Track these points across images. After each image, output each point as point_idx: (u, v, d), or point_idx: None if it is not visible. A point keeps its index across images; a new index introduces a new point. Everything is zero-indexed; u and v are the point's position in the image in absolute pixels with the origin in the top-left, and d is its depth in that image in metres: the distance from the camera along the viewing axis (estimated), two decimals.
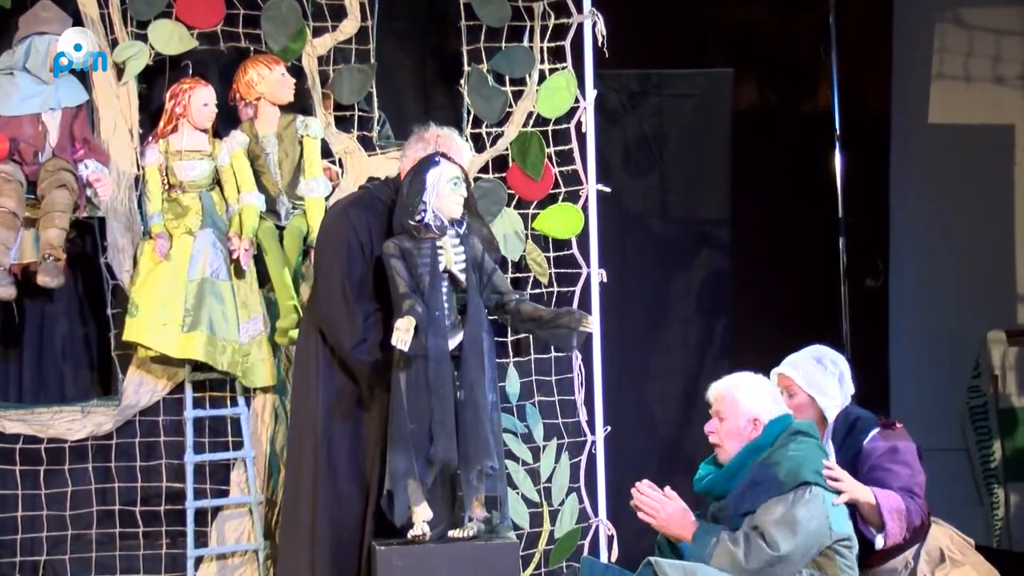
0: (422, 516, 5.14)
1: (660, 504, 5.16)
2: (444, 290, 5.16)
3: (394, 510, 5.12)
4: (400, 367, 5.12)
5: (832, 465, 5.18)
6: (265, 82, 6.00)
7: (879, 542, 5.28)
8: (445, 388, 5.10)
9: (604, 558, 6.23)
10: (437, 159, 5.26)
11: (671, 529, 5.13)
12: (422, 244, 5.17)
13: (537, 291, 6.37)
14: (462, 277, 5.19)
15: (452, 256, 5.18)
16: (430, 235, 5.17)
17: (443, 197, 5.20)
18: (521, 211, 6.37)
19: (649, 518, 5.16)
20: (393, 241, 5.19)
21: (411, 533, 5.13)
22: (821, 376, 5.49)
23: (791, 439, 5.09)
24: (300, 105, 6.19)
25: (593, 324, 5.35)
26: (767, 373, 5.43)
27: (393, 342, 5.00)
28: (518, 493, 6.25)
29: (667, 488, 5.17)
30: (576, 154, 6.36)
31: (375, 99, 6.27)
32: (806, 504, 4.96)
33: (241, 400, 6.05)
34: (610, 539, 6.36)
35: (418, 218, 5.18)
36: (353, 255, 5.32)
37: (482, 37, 6.32)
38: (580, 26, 6.34)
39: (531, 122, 6.37)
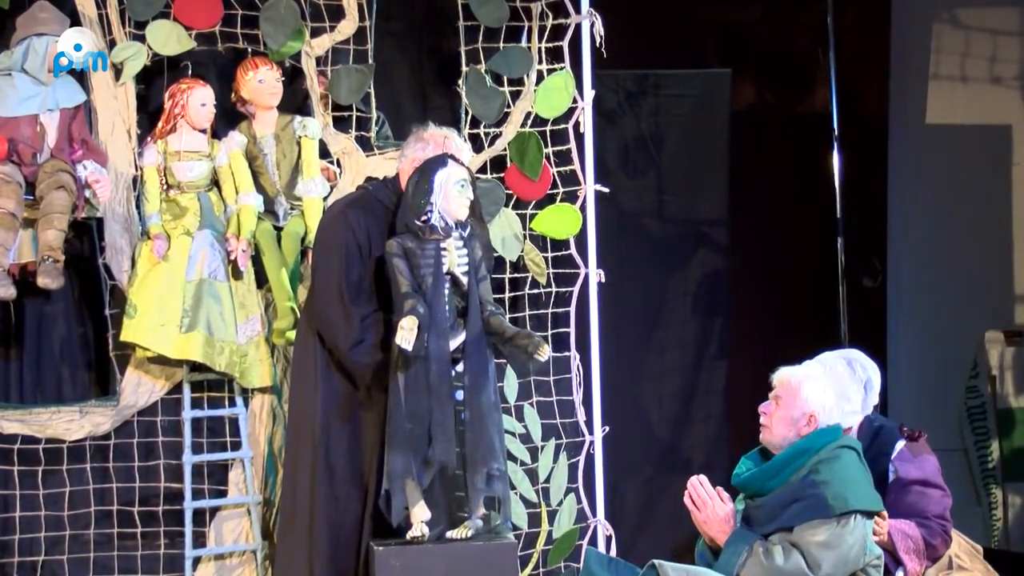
0: (420, 516, 5.14)
1: (711, 501, 5.05)
2: (446, 291, 5.16)
3: (391, 510, 5.13)
4: (399, 367, 5.12)
5: (884, 516, 5.16)
6: (246, 87, 6.01)
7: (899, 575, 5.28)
8: (445, 389, 5.10)
9: None
10: (445, 160, 5.26)
11: (710, 529, 5.04)
12: (426, 245, 5.16)
13: (535, 291, 6.37)
14: (464, 280, 5.19)
15: (456, 258, 5.18)
16: (435, 236, 5.17)
17: (450, 199, 5.20)
18: (519, 211, 6.37)
19: (695, 509, 5.06)
20: (396, 240, 5.19)
21: (410, 534, 5.13)
22: (847, 379, 5.37)
23: (839, 452, 4.97)
24: (298, 105, 6.20)
25: (548, 353, 5.30)
26: (766, 374, 5.40)
27: (397, 341, 4.99)
28: (516, 493, 6.25)
29: (719, 489, 5.10)
30: (574, 154, 6.37)
31: (373, 99, 6.27)
32: (852, 532, 4.88)
33: (239, 400, 6.05)
34: (608, 539, 6.36)
35: (424, 219, 5.18)
36: (351, 256, 5.32)
37: (480, 37, 6.32)
38: (578, 26, 6.34)
39: (529, 122, 6.37)
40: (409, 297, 5.10)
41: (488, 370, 5.18)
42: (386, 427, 5.17)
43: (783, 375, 5.11)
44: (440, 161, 5.26)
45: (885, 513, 5.21)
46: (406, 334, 4.99)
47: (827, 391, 5.08)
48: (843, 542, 4.87)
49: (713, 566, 4.99)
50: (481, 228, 5.34)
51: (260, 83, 5.99)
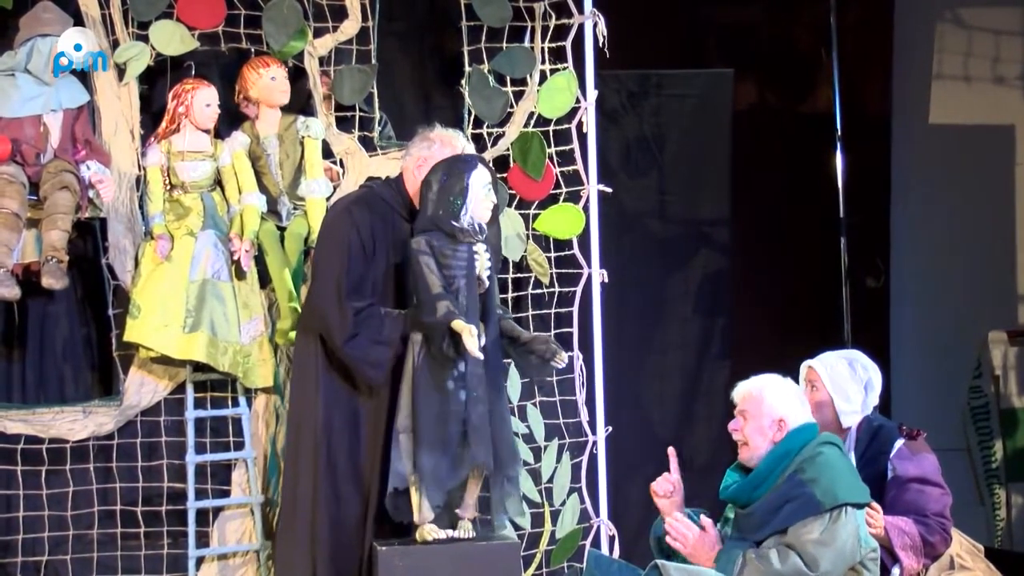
0: (427, 517, 5.15)
1: (690, 533, 5.07)
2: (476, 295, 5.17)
3: (397, 509, 5.17)
4: (427, 367, 5.10)
5: (875, 506, 5.19)
6: (256, 86, 6.01)
7: (895, 572, 5.28)
8: (479, 392, 5.10)
9: None
10: (475, 161, 5.27)
11: (697, 557, 5.06)
12: (459, 247, 5.15)
13: (538, 291, 6.37)
14: (487, 283, 5.19)
15: (484, 261, 5.18)
16: (468, 239, 5.16)
17: (478, 202, 5.20)
18: (522, 211, 6.36)
19: (679, 546, 5.10)
20: (424, 238, 5.16)
21: (449, 534, 5.15)
22: (847, 379, 5.43)
23: (821, 448, 5.01)
24: (301, 106, 6.20)
25: (564, 360, 5.36)
26: (769, 373, 5.41)
27: (470, 350, 4.97)
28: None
29: (703, 516, 5.11)
30: (577, 154, 6.37)
31: (376, 100, 6.27)
32: (844, 525, 4.90)
33: (242, 400, 6.05)
34: (611, 539, 6.36)
35: (459, 220, 5.16)
36: (354, 253, 5.33)
37: (483, 37, 6.32)
38: (581, 27, 6.34)
39: (532, 122, 6.37)
40: (443, 298, 5.08)
41: (504, 373, 5.21)
42: (412, 427, 5.13)
43: (742, 389, 5.17)
44: (470, 162, 5.26)
45: (876, 506, 5.23)
46: (475, 342, 4.98)
47: (789, 394, 5.13)
48: (837, 537, 4.89)
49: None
50: (497, 231, 5.34)
51: (272, 80, 6.00)
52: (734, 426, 5.15)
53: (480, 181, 5.21)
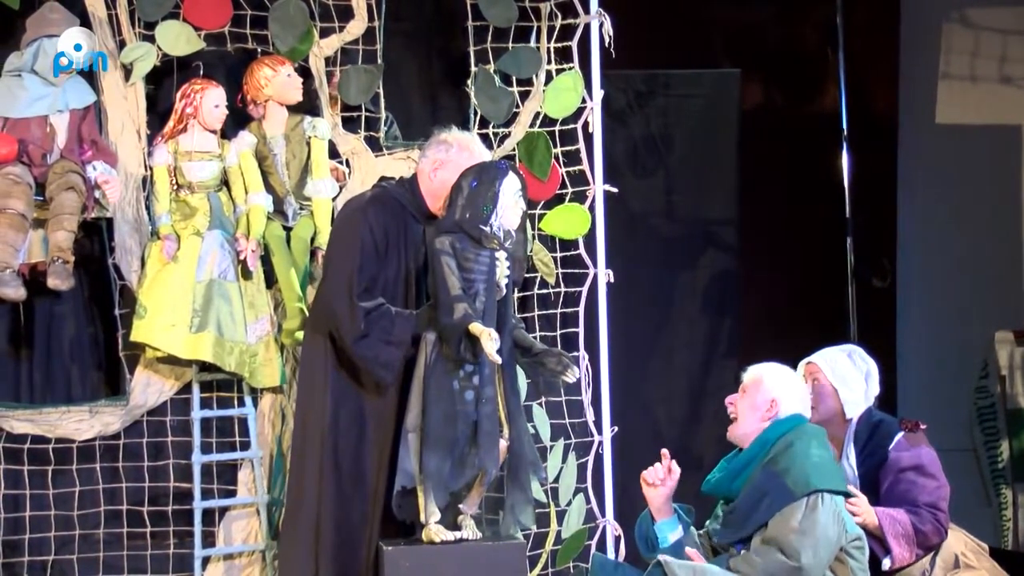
0: (433, 517, 5.15)
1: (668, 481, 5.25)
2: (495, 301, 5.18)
3: (403, 509, 5.17)
4: (439, 367, 5.11)
5: (856, 493, 5.23)
6: (272, 84, 6.01)
7: (885, 564, 5.30)
8: (492, 396, 5.11)
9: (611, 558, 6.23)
10: (506, 168, 5.28)
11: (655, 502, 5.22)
12: (481, 252, 5.16)
13: (544, 291, 6.37)
14: (504, 291, 5.20)
15: (504, 269, 5.19)
16: (493, 245, 5.17)
17: (508, 208, 5.21)
18: (528, 211, 6.34)
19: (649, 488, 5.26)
20: (447, 238, 5.17)
21: (457, 535, 5.15)
22: (848, 369, 5.55)
23: (793, 439, 5.07)
24: (307, 106, 6.20)
25: (575, 376, 5.40)
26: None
27: (489, 353, 4.98)
28: None
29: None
30: (583, 154, 6.37)
31: (382, 100, 6.28)
32: (823, 511, 4.93)
33: (248, 400, 6.06)
34: (617, 539, 6.36)
35: (487, 226, 5.16)
36: (367, 252, 5.33)
37: (489, 38, 6.32)
38: (587, 27, 6.34)
39: (538, 122, 6.37)
40: (461, 300, 5.09)
41: (518, 380, 5.23)
42: (422, 428, 5.15)
43: (750, 371, 5.29)
44: (502, 169, 5.27)
45: (858, 493, 5.26)
46: (495, 345, 4.99)
47: (791, 383, 5.22)
48: (816, 525, 4.92)
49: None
50: (523, 239, 5.34)
51: (288, 78, 6.02)
52: (731, 400, 5.26)
53: (511, 188, 5.23)
